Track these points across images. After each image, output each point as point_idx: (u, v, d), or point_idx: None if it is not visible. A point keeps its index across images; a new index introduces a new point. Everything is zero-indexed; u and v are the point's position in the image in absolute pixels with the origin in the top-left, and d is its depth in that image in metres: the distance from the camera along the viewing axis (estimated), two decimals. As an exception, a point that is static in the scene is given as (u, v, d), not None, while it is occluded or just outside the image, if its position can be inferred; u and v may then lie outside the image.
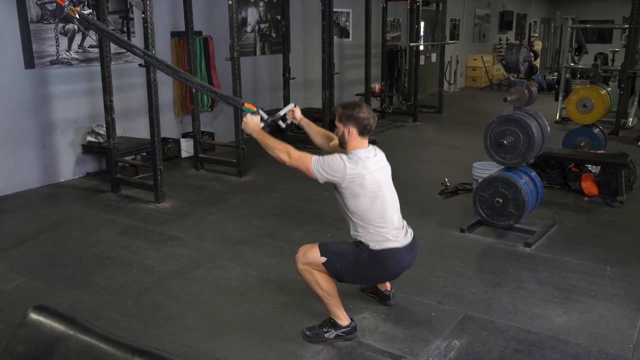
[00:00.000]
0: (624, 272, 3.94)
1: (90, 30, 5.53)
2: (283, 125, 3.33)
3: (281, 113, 3.30)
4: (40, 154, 5.97)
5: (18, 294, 3.61)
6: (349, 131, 2.94)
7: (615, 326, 3.24)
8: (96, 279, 3.82)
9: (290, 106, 3.35)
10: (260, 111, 3.17)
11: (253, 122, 3.10)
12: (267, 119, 3.18)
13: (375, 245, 2.92)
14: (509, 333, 3.15)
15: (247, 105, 3.20)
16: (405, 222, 3.11)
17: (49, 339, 1.47)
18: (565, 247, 4.38)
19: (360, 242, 2.96)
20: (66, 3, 4.25)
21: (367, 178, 2.88)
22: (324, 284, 2.97)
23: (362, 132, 2.95)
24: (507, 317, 3.33)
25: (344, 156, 2.90)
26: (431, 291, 3.65)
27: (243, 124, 3.13)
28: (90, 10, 6.03)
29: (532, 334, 3.14)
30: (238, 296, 3.59)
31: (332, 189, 3.00)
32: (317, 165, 2.89)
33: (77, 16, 3.66)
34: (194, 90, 6.67)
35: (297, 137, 7.99)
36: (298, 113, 3.36)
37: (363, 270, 2.96)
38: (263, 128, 3.12)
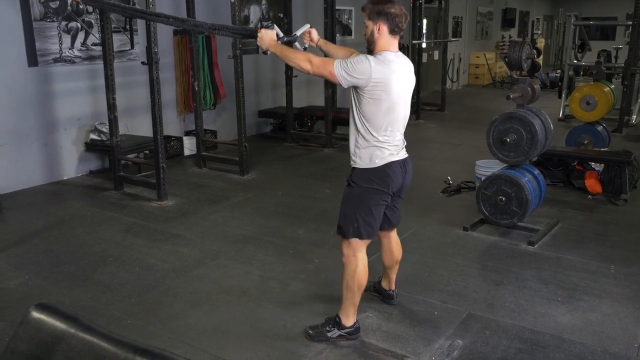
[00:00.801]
0: (629, 270, 3.93)
1: (93, 28, 5.55)
2: (300, 47, 3.15)
3: (297, 33, 3.12)
4: (43, 152, 5.97)
5: (21, 291, 3.62)
6: (378, 28, 2.78)
7: (620, 325, 3.22)
8: (98, 277, 3.82)
9: (306, 27, 3.16)
10: (276, 27, 3.04)
11: (268, 37, 2.94)
12: (283, 37, 3.03)
13: (369, 164, 2.86)
14: (513, 332, 3.14)
15: (259, 31, 3.03)
16: (404, 144, 3.02)
17: (51, 337, 1.46)
18: (569, 246, 4.37)
19: (353, 171, 2.91)
20: None
21: (392, 83, 2.74)
22: (361, 276, 2.96)
23: (394, 30, 2.79)
24: (511, 316, 3.32)
25: (370, 57, 2.73)
26: (434, 290, 3.64)
27: (258, 39, 2.96)
28: (95, 17, 6.04)
29: (535, 333, 3.13)
30: (240, 295, 3.58)
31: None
32: (340, 69, 2.72)
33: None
34: (196, 88, 6.67)
35: (300, 135, 8.01)
36: (315, 34, 3.20)
37: (366, 196, 2.89)
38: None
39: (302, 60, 2.82)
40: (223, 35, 3.78)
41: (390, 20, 2.77)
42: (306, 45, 3.18)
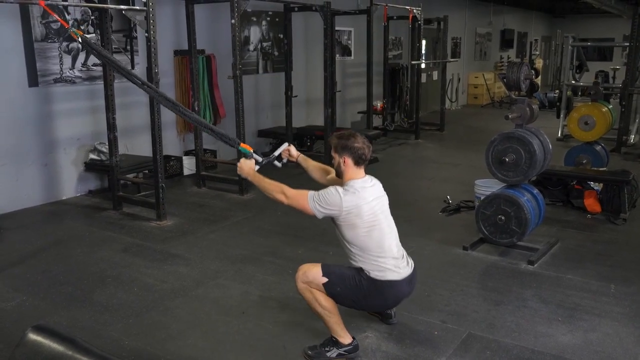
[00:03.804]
0: (629, 290, 3.91)
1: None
2: (279, 164, 3.34)
3: (276, 153, 3.32)
4: (42, 172, 5.98)
5: (18, 312, 3.60)
6: (344, 161, 2.98)
7: (621, 345, 3.20)
8: (97, 298, 3.80)
9: (285, 146, 3.36)
10: (254, 154, 3.22)
11: (247, 166, 3.15)
12: (262, 161, 3.22)
13: (376, 275, 2.93)
14: (513, 352, 3.12)
15: (243, 146, 3.24)
16: (405, 252, 3.11)
17: (48, 359, 1.45)
18: (569, 265, 4.36)
19: (361, 269, 2.97)
20: (70, 24, 4.31)
21: (364, 209, 2.91)
22: (324, 302, 2.96)
23: (358, 161, 2.98)
24: (511, 336, 3.30)
25: (339, 189, 2.93)
26: (434, 310, 3.62)
27: (238, 168, 3.17)
28: (96, 38, 6.08)
29: (536, 353, 3.11)
30: (239, 315, 3.56)
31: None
32: (314, 202, 2.93)
33: (80, 39, 3.70)
34: (196, 108, 6.71)
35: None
36: (294, 151, 3.38)
37: (362, 297, 2.96)
38: (258, 170, 3.16)
39: (277, 193, 3.02)
40: (207, 133, 3.95)
41: (354, 153, 2.96)
42: (284, 161, 3.35)
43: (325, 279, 2.92)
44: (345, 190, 2.93)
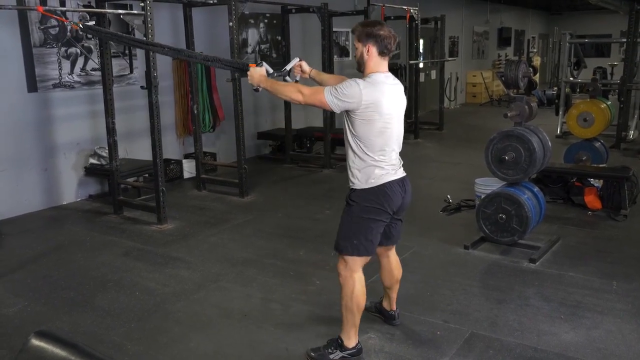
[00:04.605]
0: (631, 286, 3.91)
1: (92, 53, 5.61)
2: (290, 80, 3.18)
3: (287, 67, 3.15)
4: (42, 177, 5.98)
5: (20, 318, 3.59)
6: (368, 50, 2.84)
7: (624, 342, 3.20)
8: (98, 302, 3.80)
9: (296, 60, 3.19)
10: (265, 64, 3.08)
11: (258, 73, 3.00)
12: (273, 72, 3.06)
13: (367, 184, 2.87)
14: (516, 351, 3.12)
15: (251, 66, 3.09)
16: (401, 162, 3.03)
17: (51, 365, 1.45)
18: (571, 263, 4.36)
19: (351, 192, 2.92)
20: (69, 20, 4.47)
21: (383, 104, 2.78)
22: (360, 297, 2.95)
23: (382, 51, 2.84)
24: (514, 334, 3.30)
25: (358, 80, 2.78)
26: (436, 310, 3.62)
27: (249, 77, 3.03)
28: (94, 43, 6.11)
29: (539, 352, 3.11)
30: (241, 318, 3.56)
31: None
32: (330, 96, 2.78)
33: (81, 26, 3.87)
34: (195, 111, 6.70)
35: (299, 157, 8.03)
36: (305, 66, 3.25)
37: (365, 215, 2.89)
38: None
39: (292, 92, 2.90)
40: (215, 67, 3.87)
41: (379, 42, 2.83)
42: (297, 78, 3.23)
43: (347, 253, 2.92)
44: (365, 81, 2.78)
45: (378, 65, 2.87)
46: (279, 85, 2.97)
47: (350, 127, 2.87)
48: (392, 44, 2.87)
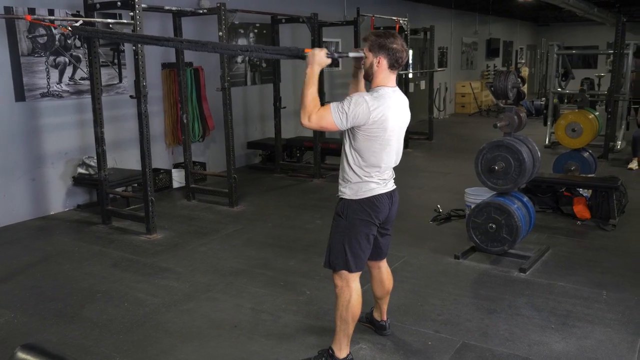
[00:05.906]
0: (620, 296, 3.92)
1: (81, 62, 5.59)
2: (352, 55, 2.95)
3: (350, 55, 2.96)
4: (30, 187, 5.92)
5: (7, 330, 3.54)
6: (378, 62, 2.78)
7: (614, 351, 3.20)
8: (87, 313, 3.75)
9: (362, 54, 2.90)
10: (331, 49, 2.92)
11: (320, 57, 2.77)
12: (333, 52, 2.87)
13: (356, 196, 2.85)
14: (507, 361, 3.11)
15: (307, 51, 2.90)
16: (394, 175, 3.01)
17: (38, 378, 1.43)
18: (560, 272, 4.37)
19: (339, 201, 2.91)
20: (57, 24, 4.48)
21: (389, 120, 2.74)
22: (355, 307, 2.94)
23: (393, 65, 2.79)
24: (505, 344, 3.29)
25: (364, 95, 2.73)
26: (427, 320, 3.61)
27: (310, 54, 2.79)
28: (83, 52, 6.10)
29: (530, 362, 3.10)
30: (231, 328, 3.53)
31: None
32: (339, 119, 2.69)
33: (70, 28, 3.91)
34: (185, 120, 6.67)
35: (289, 166, 8.02)
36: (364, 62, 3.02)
37: (354, 228, 2.87)
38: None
39: (305, 111, 2.72)
40: (258, 57, 3.71)
41: (391, 55, 2.78)
42: (362, 54, 2.91)
43: (341, 268, 2.90)
44: (372, 97, 2.71)
45: (386, 78, 2.82)
46: (311, 91, 2.75)
47: (352, 141, 2.82)
48: (404, 58, 2.82)
